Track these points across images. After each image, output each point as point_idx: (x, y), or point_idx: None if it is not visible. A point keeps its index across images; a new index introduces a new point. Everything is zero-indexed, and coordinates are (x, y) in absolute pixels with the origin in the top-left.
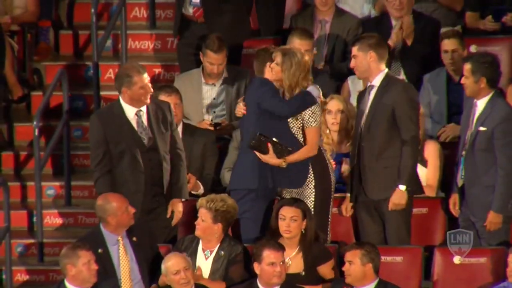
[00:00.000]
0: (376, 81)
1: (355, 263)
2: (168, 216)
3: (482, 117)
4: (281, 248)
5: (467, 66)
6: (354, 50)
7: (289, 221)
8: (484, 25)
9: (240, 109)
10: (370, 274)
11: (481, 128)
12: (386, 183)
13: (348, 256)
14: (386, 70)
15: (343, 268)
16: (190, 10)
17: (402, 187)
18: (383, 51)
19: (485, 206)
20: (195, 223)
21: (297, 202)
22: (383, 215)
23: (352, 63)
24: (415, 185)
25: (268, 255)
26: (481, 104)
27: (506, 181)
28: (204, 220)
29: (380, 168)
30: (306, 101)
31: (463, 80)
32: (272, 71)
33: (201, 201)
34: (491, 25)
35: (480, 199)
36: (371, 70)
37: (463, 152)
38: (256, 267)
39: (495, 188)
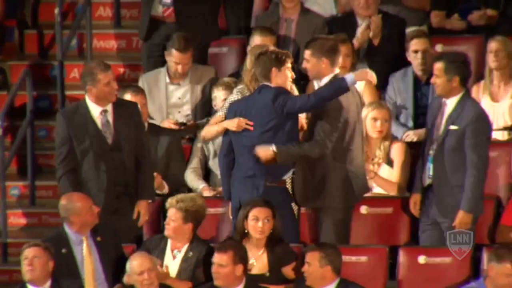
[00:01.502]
0: (322, 84)
1: (313, 265)
2: (134, 217)
3: (453, 116)
4: (222, 249)
5: (439, 65)
6: (307, 54)
7: (263, 221)
8: (451, 24)
9: (243, 123)
10: (329, 276)
11: (452, 127)
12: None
13: (307, 257)
14: (337, 72)
15: (302, 269)
16: (159, 10)
17: None
18: (337, 56)
19: (454, 206)
20: (165, 223)
21: (267, 203)
22: (319, 222)
23: (304, 65)
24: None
25: (214, 255)
26: (451, 103)
27: (477, 181)
28: (174, 220)
29: (310, 177)
30: (336, 91)
31: (433, 80)
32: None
33: (171, 201)
34: (458, 24)
35: (449, 199)
36: (322, 74)
37: (431, 152)
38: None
39: (465, 187)
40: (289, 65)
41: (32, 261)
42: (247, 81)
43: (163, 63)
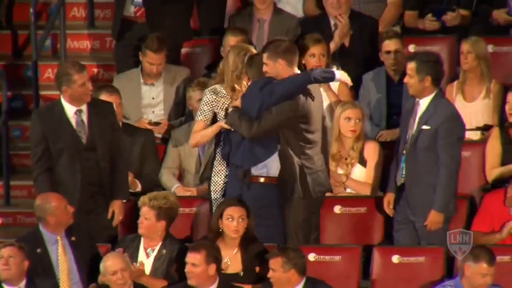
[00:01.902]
0: None
1: (278, 271)
2: (109, 217)
3: (426, 116)
4: (195, 249)
5: (411, 65)
6: (264, 57)
7: (237, 220)
8: (424, 24)
9: None
10: (295, 278)
11: (424, 127)
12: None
13: (270, 263)
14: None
15: (268, 275)
16: (131, 10)
17: None
18: (293, 56)
19: (426, 205)
20: (138, 221)
21: (240, 202)
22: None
23: (264, 68)
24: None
25: (188, 255)
26: (424, 103)
27: (449, 180)
28: (148, 218)
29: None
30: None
31: (406, 79)
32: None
33: (144, 199)
34: (431, 24)
35: (421, 198)
36: (281, 75)
37: (404, 152)
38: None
39: (436, 187)
40: None
41: (7, 260)
42: (230, 80)
43: (135, 63)
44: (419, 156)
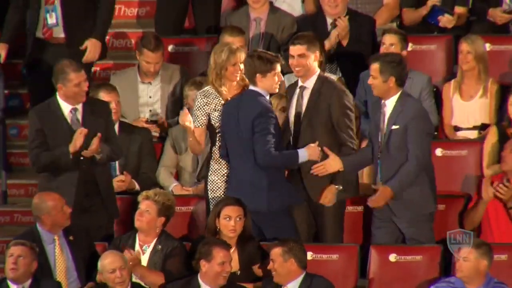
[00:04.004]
0: (310, 83)
1: (277, 261)
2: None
3: (393, 116)
4: (229, 247)
5: (375, 66)
6: (303, 49)
7: (234, 220)
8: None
9: None
10: (294, 269)
11: (394, 127)
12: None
13: (271, 255)
14: (318, 71)
15: (268, 267)
16: (41, 32)
17: (335, 186)
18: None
19: (406, 204)
20: (138, 214)
21: (238, 201)
22: (318, 215)
23: (295, 62)
24: (349, 187)
25: (219, 254)
26: (390, 103)
27: (413, 169)
28: (150, 212)
29: None
30: (289, 163)
31: (370, 80)
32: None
33: (147, 193)
34: (412, 15)
35: (399, 197)
36: (310, 71)
37: (379, 155)
38: (203, 265)
39: (400, 171)
40: (278, 69)
41: (16, 259)
42: (212, 80)
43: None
44: (392, 157)
